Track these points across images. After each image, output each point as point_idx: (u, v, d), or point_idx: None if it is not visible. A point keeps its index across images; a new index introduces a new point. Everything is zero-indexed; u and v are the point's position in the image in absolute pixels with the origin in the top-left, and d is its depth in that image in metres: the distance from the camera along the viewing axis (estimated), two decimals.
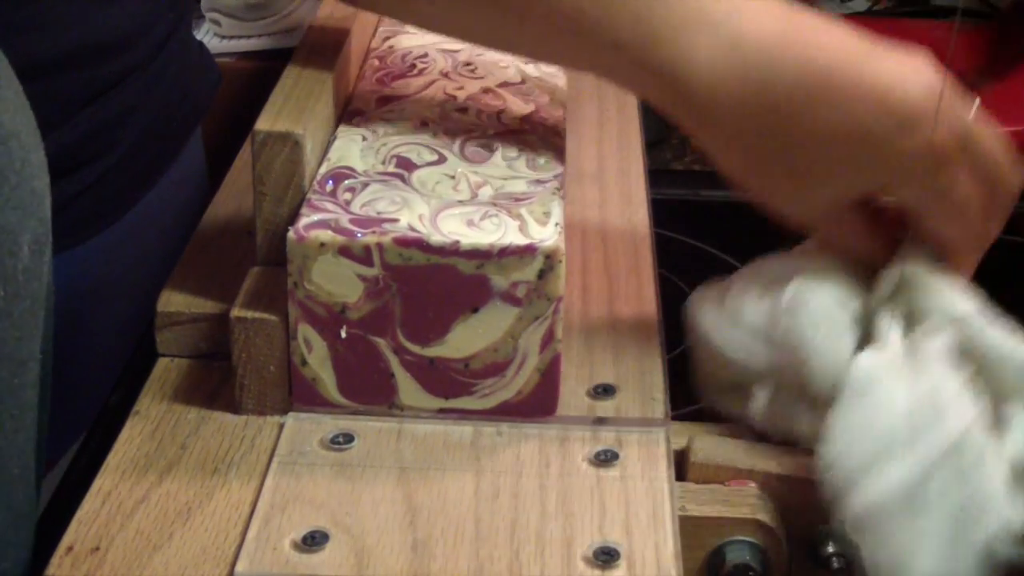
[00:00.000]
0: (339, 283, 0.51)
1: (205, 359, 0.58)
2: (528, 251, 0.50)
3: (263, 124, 0.53)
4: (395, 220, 0.51)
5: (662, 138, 1.16)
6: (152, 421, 0.54)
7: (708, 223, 1.05)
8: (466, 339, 0.51)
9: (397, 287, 0.50)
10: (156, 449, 0.53)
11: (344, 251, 0.50)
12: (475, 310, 0.51)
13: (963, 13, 1.45)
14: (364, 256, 0.50)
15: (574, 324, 0.59)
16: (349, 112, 0.59)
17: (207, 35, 1.28)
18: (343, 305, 0.51)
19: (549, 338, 0.52)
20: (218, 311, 0.57)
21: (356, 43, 0.65)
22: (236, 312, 0.53)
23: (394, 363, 0.52)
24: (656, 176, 0.76)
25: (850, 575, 0.56)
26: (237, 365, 0.54)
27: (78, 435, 0.83)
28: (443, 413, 0.53)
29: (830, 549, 0.56)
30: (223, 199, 0.69)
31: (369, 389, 0.53)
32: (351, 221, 0.51)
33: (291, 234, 0.50)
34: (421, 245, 0.50)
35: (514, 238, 0.50)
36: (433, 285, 0.50)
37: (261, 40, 1.26)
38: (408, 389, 0.52)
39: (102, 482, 0.51)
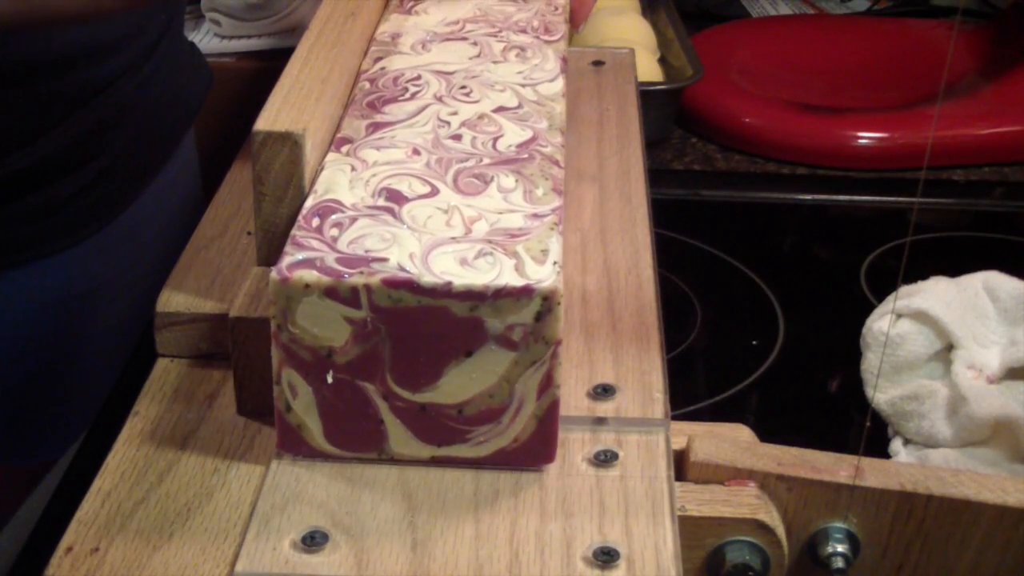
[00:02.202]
0: (325, 326, 0.48)
1: (205, 359, 0.58)
2: (524, 292, 0.48)
3: (262, 124, 0.53)
4: (384, 259, 0.49)
5: (662, 138, 1.16)
6: (152, 421, 0.54)
7: (708, 223, 1.05)
8: (459, 384, 0.49)
9: (386, 330, 0.48)
10: (156, 449, 0.53)
11: (330, 292, 0.48)
12: (469, 354, 0.49)
13: (963, 13, 1.45)
14: (351, 298, 0.48)
15: (574, 324, 0.59)
16: (338, 140, 0.58)
17: (207, 35, 1.28)
18: (329, 349, 0.49)
19: (547, 383, 0.49)
20: (218, 311, 0.57)
21: (356, 42, 0.65)
22: (235, 312, 0.53)
23: (383, 409, 0.50)
24: (656, 176, 0.76)
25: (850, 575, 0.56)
26: (236, 365, 0.54)
27: (78, 435, 0.83)
28: (435, 461, 0.51)
29: (830, 549, 0.56)
30: (223, 199, 0.69)
31: (357, 436, 0.51)
32: (338, 260, 0.49)
33: (274, 274, 0.48)
34: (411, 286, 0.48)
35: (510, 278, 0.48)
36: (424, 328, 0.48)
37: (261, 40, 1.26)
38: (398, 436, 0.50)
39: (102, 482, 0.51)
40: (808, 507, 0.55)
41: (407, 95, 0.61)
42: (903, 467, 0.57)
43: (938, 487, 0.55)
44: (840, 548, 0.56)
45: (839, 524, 0.56)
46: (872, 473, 0.56)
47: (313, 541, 0.47)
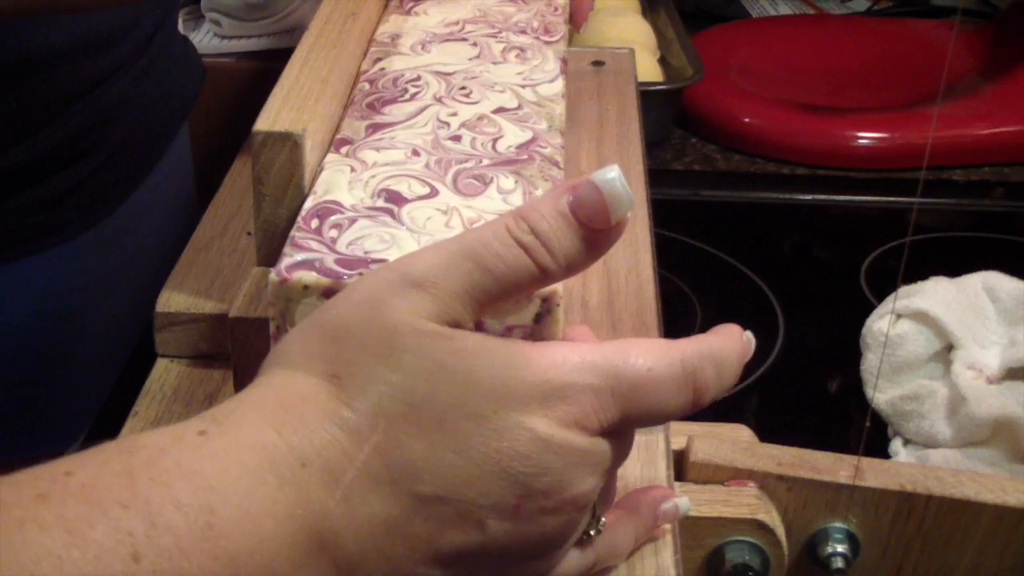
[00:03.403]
0: None
1: (205, 359, 0.58)
2: None
3: (262, 124, 0.53)
4: (383, 260, 0.48)
5: (662, 138, 1.16)
6: (152, 421, 0.54)
7: (708, 223, 1.05)
8: None
9: None
10: None
11: (329, 294, 0.47)
12: None
13: (963, 13, 1.45)
14: None
15: (574, 324, 0.59)
16: (337, 141, 0.57)
17: (207, 35, 1.28)
18: None
19: None
20: (217, 312, 0.57)
21: (356, 43, 0.65)
22: (235, 313, 0.53)
23: None
24: (656, 176, 0.76)
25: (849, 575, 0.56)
26: (236, 366, 0.54)
27: (78, 435, 0.83)
28: None
29: (830, 549, 0.56)
30: (223, 199, 0.69)
31: None
32: (337, 261, 0.48)
33: (273, 275, 0.48)
34: None
35: None
36: None
37: (261, 40, 1.26)
38: None
39: None
40: (808, 507, 0.55)
41: (407, 96, 0.61)
42: (903, 467, 0.58)
43: (938, 487, 0.55)
44: (840, 548, 0.56)
45: (839, 524, 0.56)
46: (872, 473, 0.56)
47: None
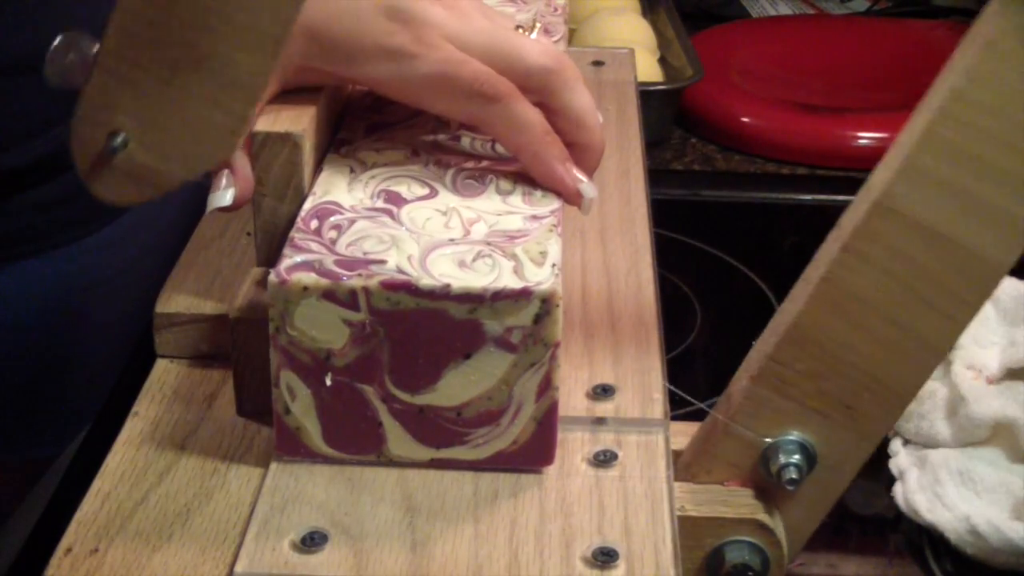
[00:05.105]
0: (323, 328, 0.48)
1: (204, 360, 0.58)
2: (523, 295, 0.48)
3: (262, 124, 0.53)
4: (382, 261, 0.49)
5: (662, 138, 1.16)
6: (152, 422, 0.54)
7: (708, 223, 1.05)
8: (458, 387, 0.49)
9: (385, 332, 0.48)
10: (155, 449, 0.53)
11: (328, 295, 0.48)
12: (467, 356, 0.49)
13: (963, 13, 1.45)
14: (350, 300, 0.48)
15: (574, 324, 0.59)
16: (337, 141, 0.58)
17: None
18: (328, 351, 0.49)
19: (546, 385, 0.49)
20: (217, 312, 0.57)
21: None
22: (235, 313, 0.53)
23: (382, 412, 0.50)
24: (656, 176, 0.76)
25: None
26: (236, 366, 0.54)
27: (78, 435, 0.83)
28: (435, 464, 0.51)
29: (781, 461, 0.53)
30: None
31: (356, 439, 0.50)
32: (336, 262, 0.49)
33: (272, 276, 0.48)
34: (410, 289, 0.48)
35: (508, 281, 0.48)
36: (423, 330, 0.48)
37: None
38: (397, 438, 0.50)
39: (101, 483, 0.51)
40: (717, 460, 0.54)
41: None
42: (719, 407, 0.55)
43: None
44: (789, 460, 0.53)
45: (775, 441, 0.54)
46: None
47: (313, 542, 0.47)
